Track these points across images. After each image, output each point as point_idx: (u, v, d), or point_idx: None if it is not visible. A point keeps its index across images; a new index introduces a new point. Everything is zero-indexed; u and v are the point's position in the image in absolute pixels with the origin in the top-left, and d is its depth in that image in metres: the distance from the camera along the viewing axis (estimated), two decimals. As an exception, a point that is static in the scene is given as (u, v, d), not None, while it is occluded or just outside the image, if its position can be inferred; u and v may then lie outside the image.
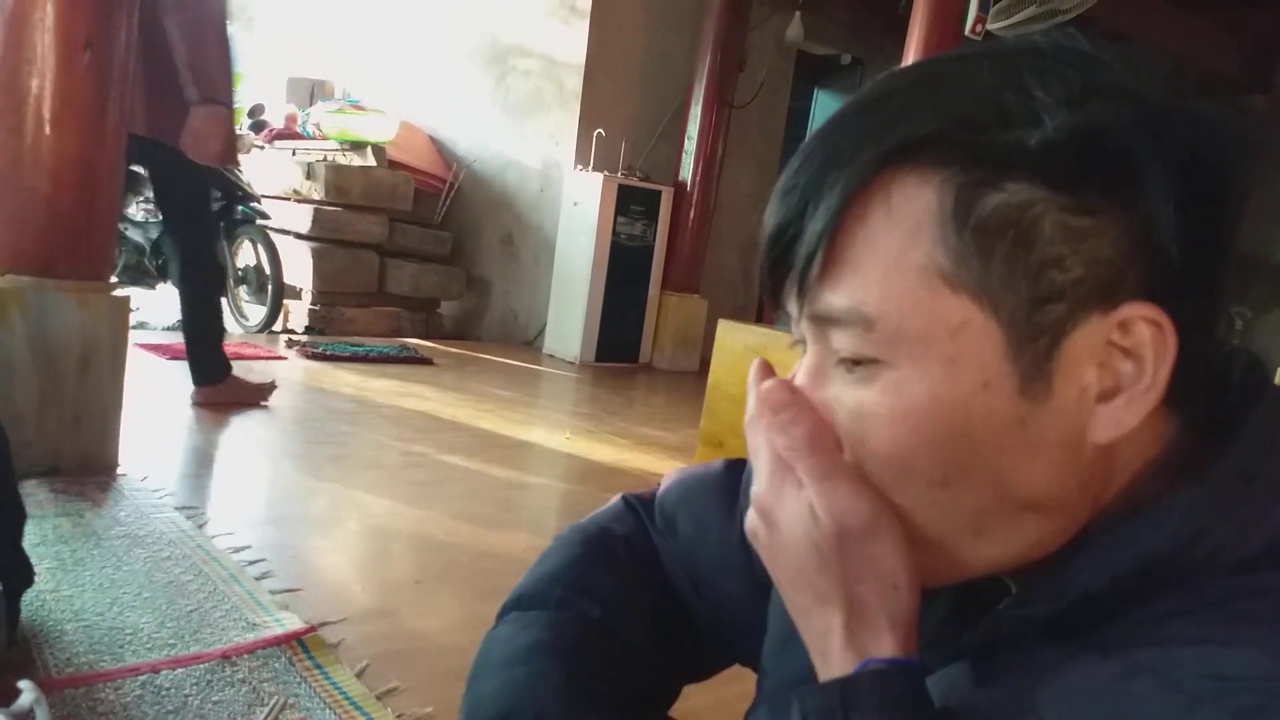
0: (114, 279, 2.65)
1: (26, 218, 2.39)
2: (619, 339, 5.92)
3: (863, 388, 0.47)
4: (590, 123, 5.90)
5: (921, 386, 0.45)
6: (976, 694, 0.48)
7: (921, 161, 0.44)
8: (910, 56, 3.92)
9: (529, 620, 0.72)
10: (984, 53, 0.47)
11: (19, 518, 1.59)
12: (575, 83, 6.06)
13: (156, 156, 3.01)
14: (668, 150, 6.16)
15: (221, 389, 3.46)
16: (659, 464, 3.47)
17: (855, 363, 0.47)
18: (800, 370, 0.51)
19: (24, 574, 1.59)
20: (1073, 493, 0.46)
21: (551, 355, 5.96)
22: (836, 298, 0.46)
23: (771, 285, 0.50)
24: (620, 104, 6.11)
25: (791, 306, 0.50)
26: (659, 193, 5.88)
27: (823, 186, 0.46)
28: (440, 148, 7.03)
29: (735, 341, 3.40)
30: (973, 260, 0.43)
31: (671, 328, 6.09)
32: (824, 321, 0.47)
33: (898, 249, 0.44)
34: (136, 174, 6.24)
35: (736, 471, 0.81)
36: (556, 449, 3.68)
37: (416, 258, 6.55)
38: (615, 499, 0.86)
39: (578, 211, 5.80)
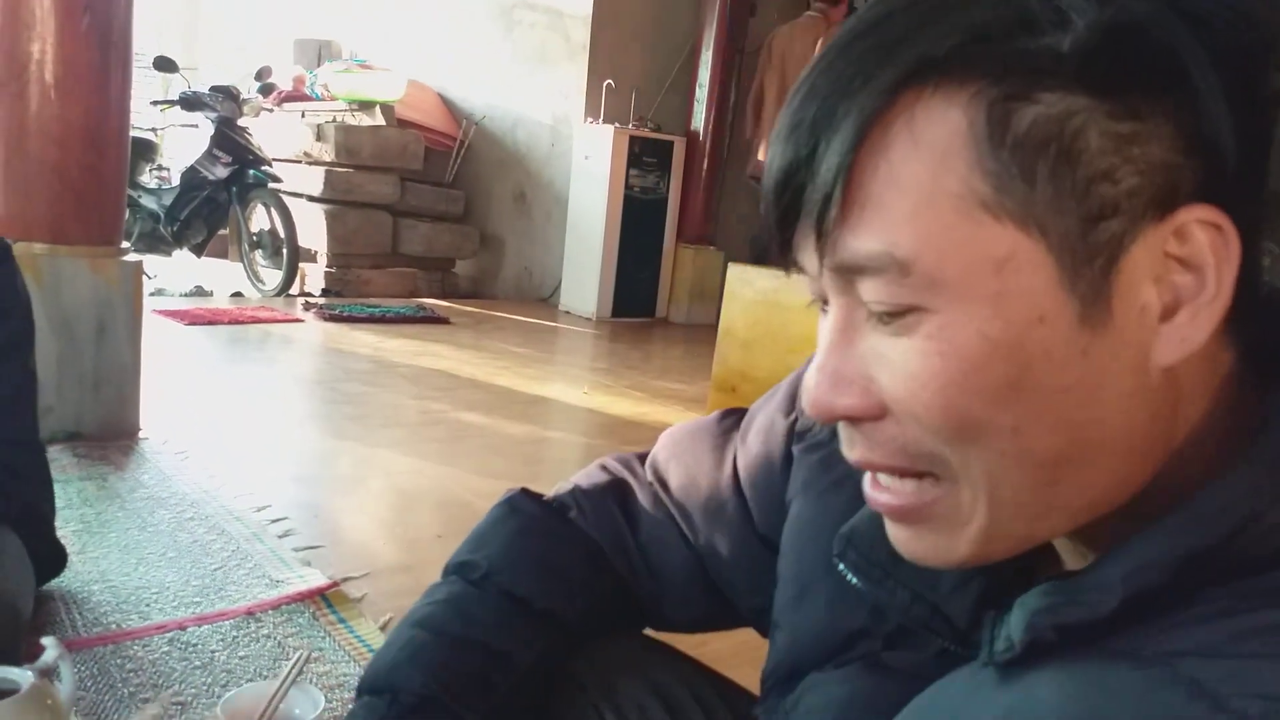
0: (129, 245, 2.64)
1: (35, 186, 2.39)
2: (635, 293, 5.89)
3: (904, 339, 0.42)
4: (599, 75, 5.83)
5: (970, 329, 0.41)
6: (999, 695, 0.43)
7: (944, 79, 0.40)
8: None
9: (441, 586, 0.80)
10: None
11: (52, 511, 1.61)
12: (583, 34, 5.98)
13: None
14: (679, 99, 6.08)
15: None
16: (677, 416, 3.47)
17: (892, 315, 0.42)
18: (825, 331, 0.46)
19: (57, 563, 1.63)
20: (1144, 425, 0.42)
21: (567, 312, 5.95)
22: (862, 242, 0.41)
23: (782, 238, 0.45)
24: (629, 54, 6.02)
25: (808, 260, 0.45)
26: (671, 143, 5.82)
27: (833, 119, 0.41)
28: (449, 105, 6.97)
29: (746, 287, 3.37)
30: (1015, 183, 0.39)
31: (687, 281, 6.06)
32: (850, 271, 0.43)
33: (929, 179, 0.40)
34: (148, 141, 6.25)
35: (732, 420, 0.80)
36: (575, 404, 3.68)
37: (429, 217, 6.53)
38: (595, 463, 0.86)
39: (589, 165, 5.75)
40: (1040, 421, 0.41)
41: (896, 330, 0.42)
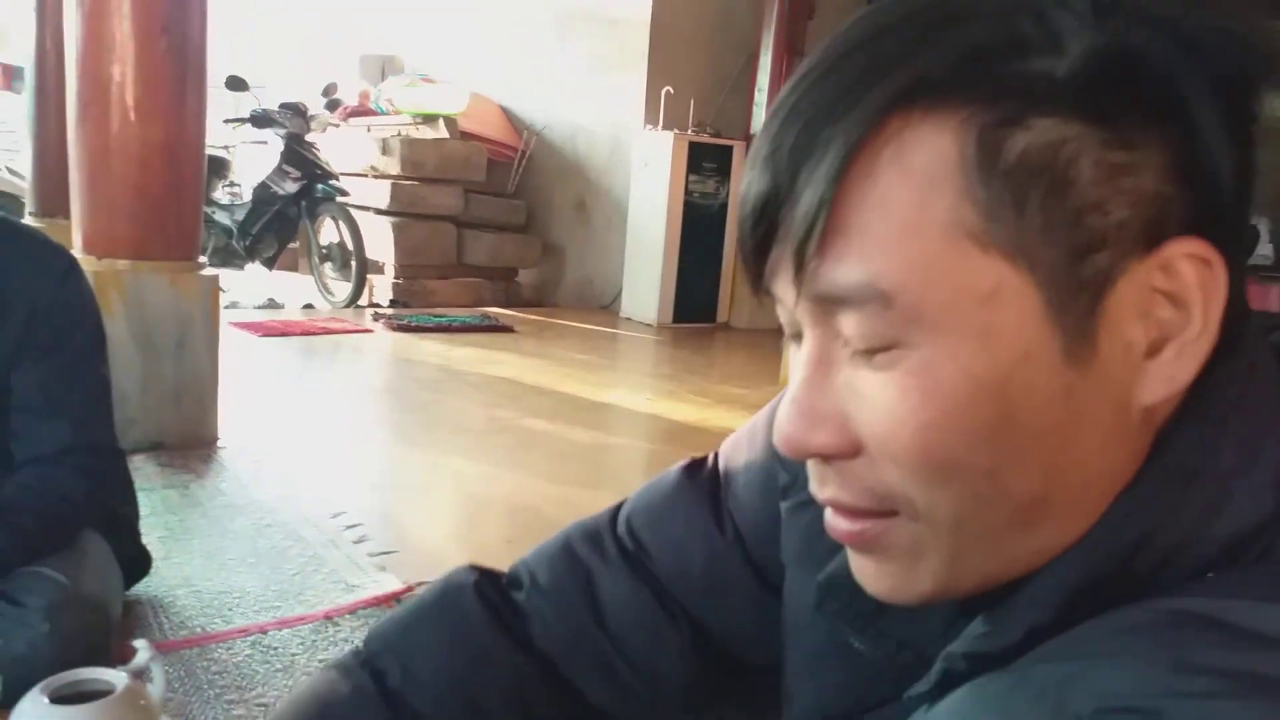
0: (205, 260, 2.73)
1: (118, 204, 2.48)
2: (696, 299, 5.88)
3: (883, 375, 0.40)
4: (658, 81, 5.84)
5: (953, 366, 0.39)
6: None
7: (933, 103, 0.38)
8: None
9: (330, 670, 0.71)
10: None
11: (135, 515, 1.66)
12: (641, 41, 6.00)
13: None
14: (738, 103, 6.06)
15: None
16: (741, 420, 3.43)
17: (872, 350, 0.40)
18: (799, 364, 0.43)
19: (143, 567, 1.69)
20: (1124, 465, 0.41)
21: (629, 319, 5.96)
22: (844, 273, 0.39)
23: (757, 267, 0.43)
24: (687, 59, 6.02)
25: (784, 290, 0.42)
26: (731, 148, 5.80)
27: (814, 144, 0.39)
28: (510, 116, 7.05)
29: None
30: (1005, 212, 0.38)
31: (749, 286, 6.02)
32: (830, 302, 0.41)
33: (916, 207, 0.38)
34: (221, 158, 6.43)
35: (707, 473, 0.73)
36: (638, 410, 3.69)
37: (493, 227, 6.60)
38: (559, 541, 0.76)
39: (649, 172, 5.76)
40: (1019, 464, 0.40)
41: (876, 365, 0.40)
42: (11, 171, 5.70)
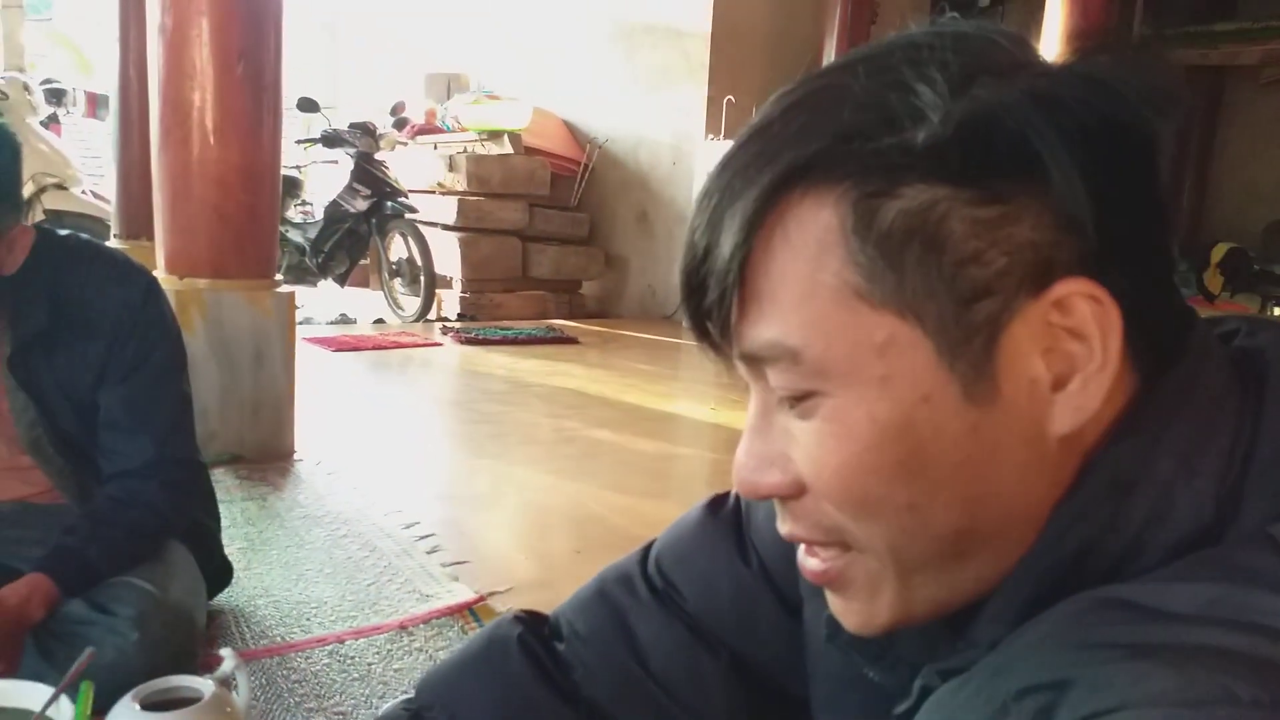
0: (281, 278, 2.80)
1: (198, 225, 2.56)
2: (761, 308, 5.85)
3: (806, 422, 0.45)
4: (720, 91, 5.84)
5: (860, 411, 0.43)
6: None
7: (813, 183, 0.42)
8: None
9: None
10: (859, 57, 0.44)
11: (218, 526, 1.71)
12: (702, 52, 6.01)
13: None
14: (801, 111, 6.03)
15: None
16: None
17: (795, 399, 0.45)
18: (749, 414, 0.49)
19: (225, 577, 1.74)
20: (1044, 494, 0.44)
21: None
22: (758, 333, 0.44)
23: (697, 331, 0.48)
24: (749, 68, 6.01)
25: (724, 348, 0.47)
26: (794, 155, 5.77)
27: (720, 226, 0.44)
28: (573, 130, 7.12)
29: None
30: (885, 274, 0.41)
31: (814, 293, 5.98)
32: (753, 360, 0.46)
33: (807, 274, 0.43)
34: (294, 178, 6.61)
35: (730, 509, 0.74)
36: (702, 420, 3.69)
37: (556, 241, 6.66)
38: (593, 587, 0.79)
39: (712, 181, 5.75)
40: (936, 498, 0.43)
41: (800, 413, 0.45)
42: (97, 196, 5.92)
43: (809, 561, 0.49)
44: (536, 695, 0.73)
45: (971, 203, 0.41)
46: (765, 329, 0.44)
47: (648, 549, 0.78)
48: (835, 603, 0.50)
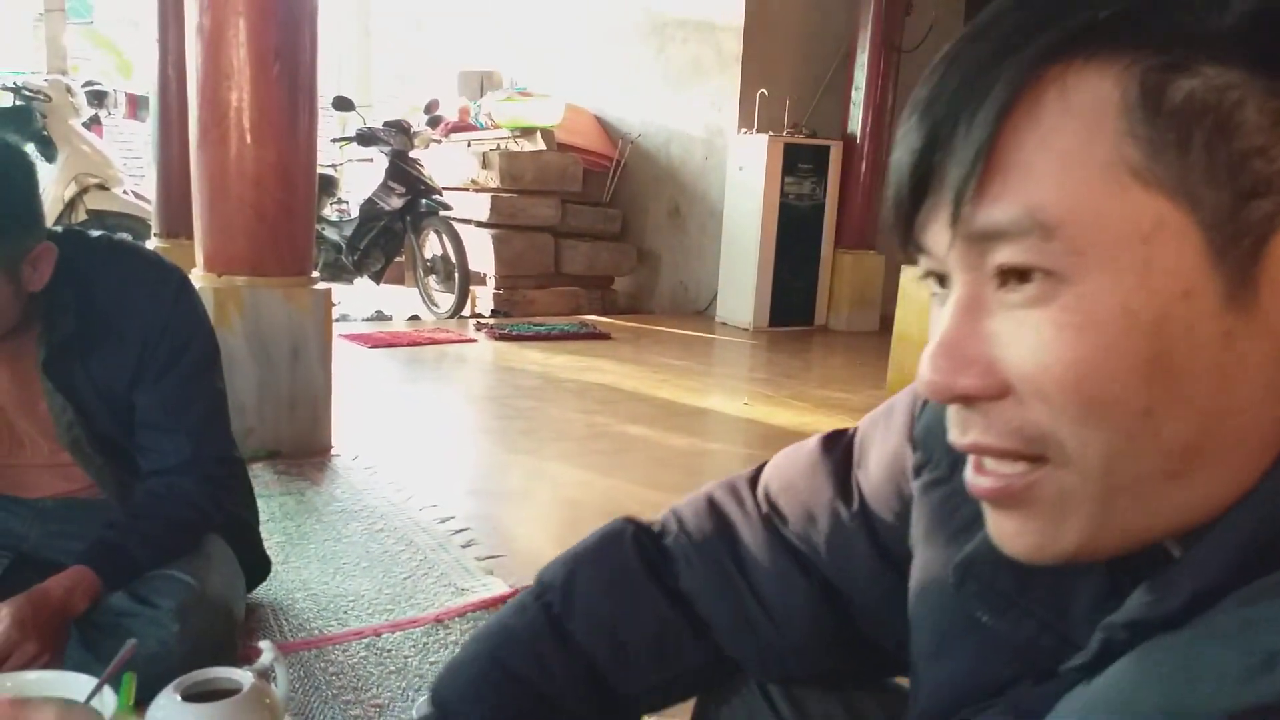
0: (318, 275, 2.83)
1: (236, 224, 2.60)
2: (792, 302, 5.83)
3: (1037, 311, 0.40)
4: (752, 84, 5.81)
5: (1113, 299, 0.39)
6: (1079, 696, 0.43)
7: (1096, 50, 0.39)
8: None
9: (513, 603, 0.82)
10: None
11: (256, 520, 1.74)
12: (734, 45, 5.98)
13: None
14: (834, 103, 5.99)
15: None
16: (843, 426, 3.40)
17: (1024, 279, 0.41)
18: (949, 309, 0.44)
19: (263, 571, 1.77)
20: (1277, 424, 0.40)
21: (724, 323, 5.94)
22: (1003, 208, 0.40)
23: (910, 216, 0.44)
24: (782, 60, 5.98)
25: (935, 237, 0.44)
26: (827, 148, 5.73)
27: (974, 91, 0.41)
28: (605, 126, 7.12)
29: (922, 289, 3.28)
30: (1168, 151, 0.38)
31: (847, 287, 5.94)
32: (986, 239, 0.41)
33: (1079, 144, 0.39)
34: (329, 176, 6.67)
35: (842, 446, 0.75)
36: (735, 415, 3.68)
37: (589, 237, 6.67)
38: (702, 494, 0.83)
39: (743, 176, 5.73)
40: (1175, 406, 0.39)
41: (1029, 302, 0.41)
42: (138, 196, 6.02)
43: (980, 479, 0.45)
44: (640, 586, 0.78)
45: (1269, 92, 0.38)
46: (1014, 203, 0.40)
47: (758, 471, 0.81)
48: (1005, 524, 0.45)
